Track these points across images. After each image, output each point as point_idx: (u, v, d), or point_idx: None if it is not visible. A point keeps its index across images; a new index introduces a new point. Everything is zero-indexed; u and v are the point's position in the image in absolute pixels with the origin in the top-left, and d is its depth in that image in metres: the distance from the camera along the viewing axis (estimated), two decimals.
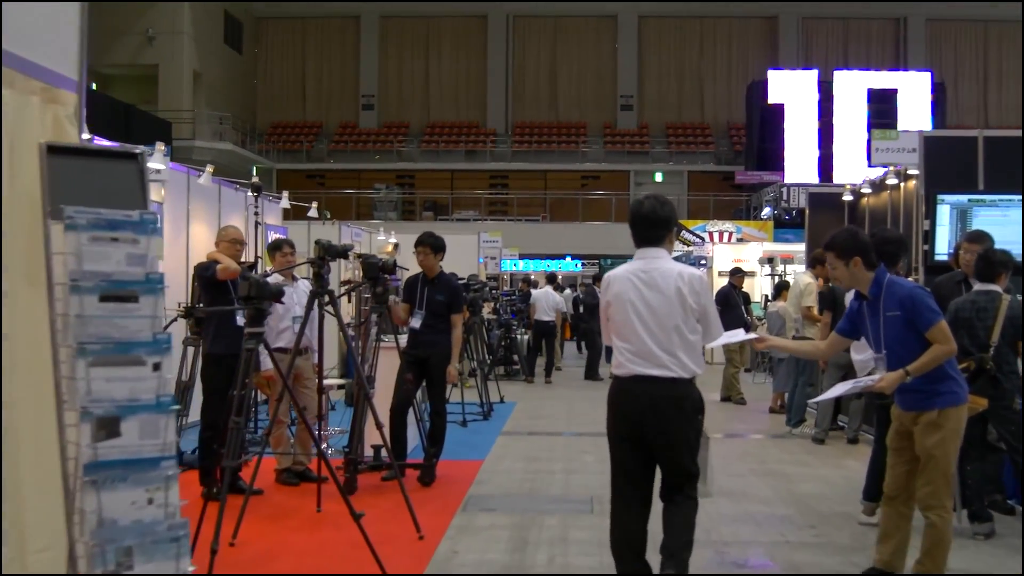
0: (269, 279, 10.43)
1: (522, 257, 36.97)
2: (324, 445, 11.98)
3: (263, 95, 50.48)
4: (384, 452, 9.60)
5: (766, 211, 39.26)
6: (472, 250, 24.15)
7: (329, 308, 8.66)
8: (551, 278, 22.68)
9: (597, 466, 11.13)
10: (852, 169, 38.96)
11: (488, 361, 21.20)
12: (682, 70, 49.44)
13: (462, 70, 50.09)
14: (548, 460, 11.77)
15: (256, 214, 13.05)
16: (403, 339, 10.50)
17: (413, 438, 10.97)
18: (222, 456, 7.11)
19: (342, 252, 8.45)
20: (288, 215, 20.58)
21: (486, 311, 21.73)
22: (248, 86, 49.63)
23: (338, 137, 48.91)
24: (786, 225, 36.80)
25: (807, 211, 17.35)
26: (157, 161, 11.48)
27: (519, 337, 22.14)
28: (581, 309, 29.73)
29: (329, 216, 21.74)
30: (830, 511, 9.20)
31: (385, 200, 44.36)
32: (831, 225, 16.80)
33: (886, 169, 14.53)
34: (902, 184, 14.11)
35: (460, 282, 14.66)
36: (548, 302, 21.51)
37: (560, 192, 45.86)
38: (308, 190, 43.29)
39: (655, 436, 5.86)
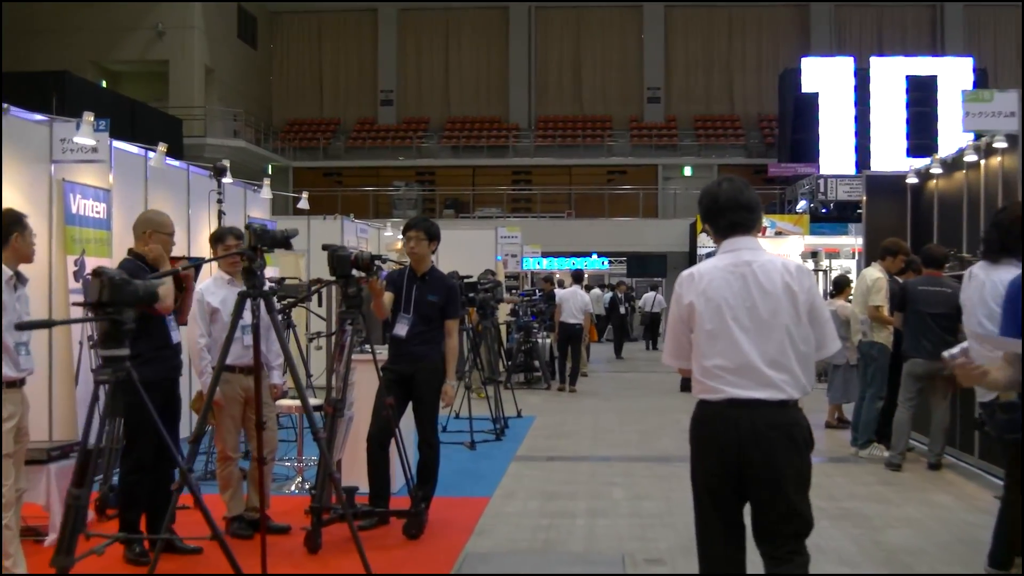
0: (208, 281, 8.34)
1: (545, 255, 34.67)
2: (299, 479, 9.90)
3: (278, 91, 48.41)
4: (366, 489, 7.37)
5: (801, 204, 36.85)
6: (489, 247, 21.90)
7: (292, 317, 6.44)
8: (578, 276, 20.38)
9: (628, 505, 9.08)
10: (891, 159, 36.76)
11: (506, 369, 19.04)
12: (710, 60, 47.03)
13: (483, 63, 47.87)
14: (569, 497, 9.51)
15: (219, 202, 10.82)
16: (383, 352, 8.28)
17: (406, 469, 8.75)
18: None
19: (282, 241, 6.22)
20: (272, 211, 18.38)
21: (503, 314, 19.50)
22: (263, 82, 47.58)
23: (356, 134, 46.81)
24: (823, 219, 34.43)
25: (864, 198, 15.02)
26: (85, 135, 9.07)
27: (540, 341, 19.87)
28: (622, 310, 27.89)
29: (335, 215, 19.59)
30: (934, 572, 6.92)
31: (404, 198, 42.20)
32: (891, 213, 14.58)
33: (970, 142, 12.14)
34: (982, 161, 11.76)
35: (466, 280, 12.46)
36: (576, 303, 19.23)
37: (585, 188, 43.61)
38: (325, 188, 41.45)
39: (760, 479, 4.48)
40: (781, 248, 24.18)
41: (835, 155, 38.54)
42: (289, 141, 46.07)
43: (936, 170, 13.23)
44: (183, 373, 7.88)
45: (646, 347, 31.25)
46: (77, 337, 9.52)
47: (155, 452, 6.83)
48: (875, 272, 11.58)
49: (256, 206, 15.26)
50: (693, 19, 46.76)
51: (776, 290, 4.48)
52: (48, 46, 37.98)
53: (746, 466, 4.43)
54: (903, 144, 38.21)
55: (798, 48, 44.02)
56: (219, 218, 10.84)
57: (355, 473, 8.61)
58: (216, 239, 8.18)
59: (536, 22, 47.39)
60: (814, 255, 21.13)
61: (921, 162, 14.43)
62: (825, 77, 39.36)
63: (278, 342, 8.30)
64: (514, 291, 20.15)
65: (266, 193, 15.98)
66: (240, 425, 8.06)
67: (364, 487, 8.16)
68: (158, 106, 38.96)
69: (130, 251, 7.34)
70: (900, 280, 11.38)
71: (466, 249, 21.15)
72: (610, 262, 40.35)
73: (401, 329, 8.20)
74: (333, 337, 8.72)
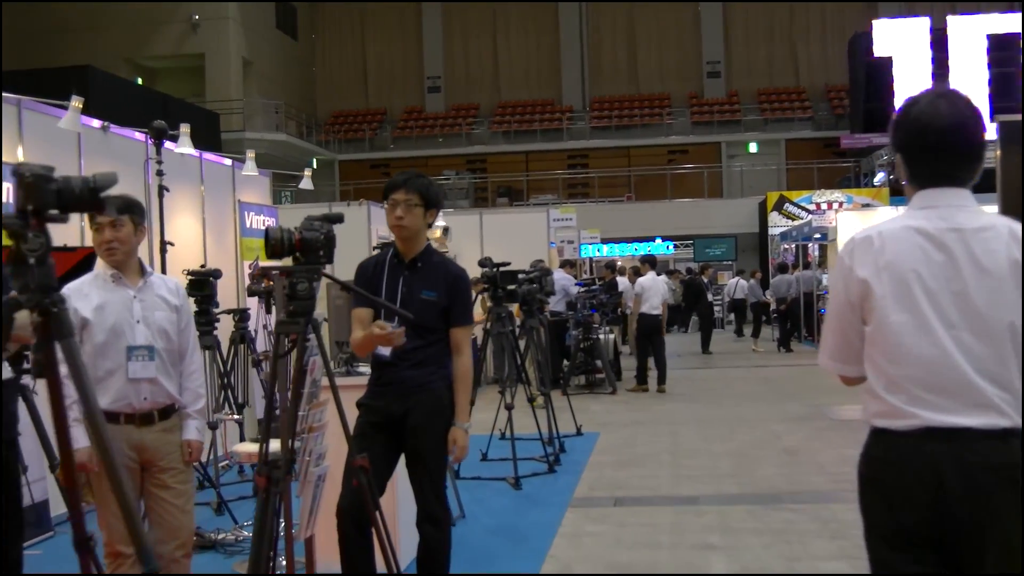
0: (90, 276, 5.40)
1: (605, 241, 31.57)
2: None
3: (322, 82, 45.64)
4: None
5: (879, 177, 33.51)
6: (540, 233, 18.76)
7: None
8: (651, 261, 17.18)
9: None
10: None
11: (563, 372, 16.02)
12: (772, 31, 43.53)
13: (533, 45, 44.73)
14: (649, 566, 6.46)
15: (160, 173, 7.84)
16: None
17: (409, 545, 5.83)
18: None
19: (80, 198, 3.14)
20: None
21: (553, 308, 16.44)
22: (306, 74, 44.85)
23: (403, 123, 43.92)
24: (903, 192, 30.91)
25: (999, 151, 11.76)
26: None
27: (603, 338, 16.80)
28: (709, 297, 24.33)
29: (360, 200, 16.64)
30: None
31: (455, 187, 39.22)
32: None
33: None
34: None
35: (502, 269, 9.41)
36: (658, 291, 16.20)
37: (645, 169, 40.33)
38: (372, 180, 38.68)
39: (974, 547, 2.94)
40: (871, 221, 20.79)
41: None
42: (334, 134, 43.39)
43: None
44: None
45: (779, 346, 25.07)
46: None
47: None
48: None
49: (249, 188, 12.32)
50: None
51: (999, 269, 3.01)
52: (80, 44, 35.47)
53: (952, 528, 2.96)
54: (986, 107, 34.53)
55: (865, 11, 40.33)
56: (160, 196, 7.86)
57: (333, 550, 5.62)
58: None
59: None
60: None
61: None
62: (898, 40, 35.78)
63: (196, 372, 5.40)
64: (582, 287, 16.99)
65: (251, 169, 12.99)
66: (136, 499, 5.11)
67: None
68: (195, 101, 36.46)
69: None
70: None
71: (514, 237, 18.16)
72: (675, 246, 37.18)
73: (382, 349, 5.23)
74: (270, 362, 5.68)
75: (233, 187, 11.78)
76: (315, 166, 41.33)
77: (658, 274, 24.97)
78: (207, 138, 35.04)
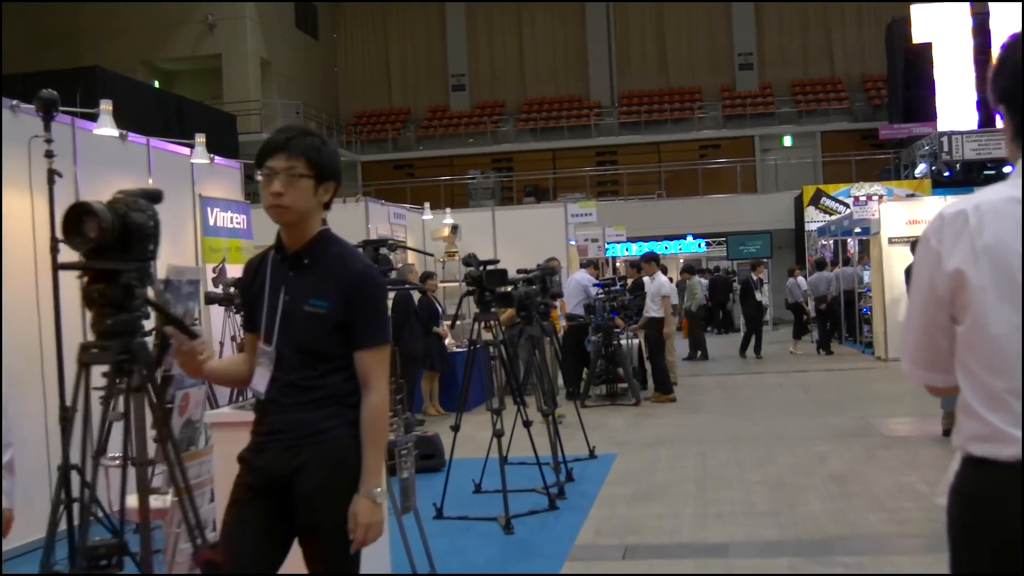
0: None
1: (635, 239, 29.84)
2: None
3: (345, 83, 44.17)
4: None
5: (921, 168, 31.55)
6: (559, 230, 17.04)
7: None
8: (654, 259, 15.39)
9: None
10: None
11: (584, 381, 14.40)
12: (805, 19, 41.66)
13: (559, 40, 43.03)
14: None
15: (48, 155, 6.20)
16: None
17: None
18: None
19: None
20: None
21: (572, 311, 14.78)
22: (327, 74, 43.38)
23: (427, 122, 42.34)
24: (946, 183, 29.17)
25: None
26: None
27: (625, 343, 15.11)
28: (758, 296, 21.98)
29: (357, 196, 15.07)
30: None
31: (480, 187, 37.58)
32: None
33: None
34: None
35: (489, 268, 7.78)
36: (659, 292, 14.61)
37: (676, 165, 38.54)
38: (396, 181, 37.23)
39: None
40: (916, 213, 19.02)
41: (954, 111, 33.00)
42: (357, 135, 41.85)
43: None
44: None
45: (818, 348, 22.23)
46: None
47: None
48: None
49: (215, 180, 10.71)
50: None
51: None
52: (95, 47, 34.07)
53: None
54: None
55: None
56: (50, 183, 6.24)
57: None
58: None
59: None
60: None
61: None
62: (938, 25, 33.82)
63: None
64: (608, 288, 15.20)
65: (200, 158, 11.28)
66: None
67: None
68: (212, 103, 35.08)
69: None
70: None
71: (533, 235, 16.52)
72: (707, 243, 35.36)
73: (260, 379, 3.59)
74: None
75: (192, 179, 10.16)
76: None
77: (692, 274, 23.39)
78: (224, 140, 33.73)
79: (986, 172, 30.44)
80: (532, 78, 43.10)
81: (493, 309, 8.12)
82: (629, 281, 17.63)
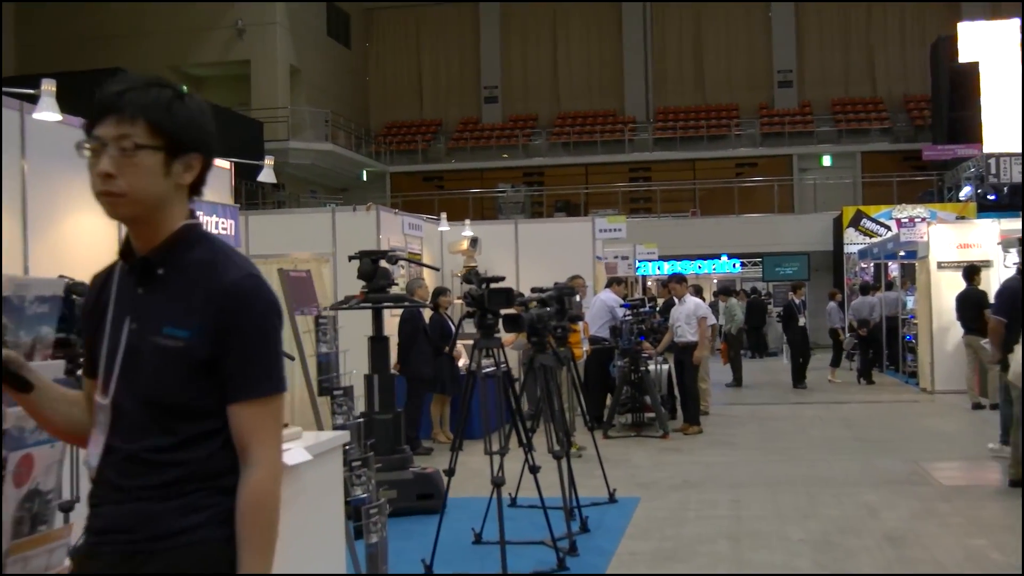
0: None
1: (667, 258, 28.63)
2: None
3: (375, 93, 43.11)
4: None
5: (966, 191, 30.18)
6: (585, 246, 15.82)
7: None
8: (681, 280, 14.17)
9: None
10: None
11: (608, 410, 13.24)
12: (847, 38, 40.27)
13: (594, 53, 41.81)
14: None
15: None
16: None
17: None
18: None
19: None
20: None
21: (596, 333, 13.57)
22: (358, 83, 42.33)
23: (458, 134, 41.24)
24: (991, 207, 27.78)
25: None
26: None
27: (654, 369, 13.86)
28: (801, 321, 20.15)
29: (368, 204, 13.88)
30: None
31: (510, 201, 36.38)
32: None
33: None
34: None
35: (492, 287, 6.58)
36: (682, 315, 13.44)
37: (711, 182, 37.20)
38: (424, 192, 36.16)
39: None
40: (972, 235, 17.70)
41: (1001, 133, 31.52)
42: (387, 145, 40.79)
43: None
44: None
45: (859, 377, 20.58)
46: None
47: None
48: None
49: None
50: None
51: None
52: (124, 51, 33.07)
53: None
54: None
55: (947, 15, 36.89)
56: None
57: None
58: None
59: (652, 6, 41.30)
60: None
61: None
62: (985, 44, 32.39)
63: None
64: (637, 311, 13.91)
65: (268, 176, 10.24)
66: None
67: None
68: (240, 109, 34.14)
69: None
70: None
71: (558, 251, 15.34)
72: (743, 264, 34.04)
73: (94, 448, 2.42)
74: None
75: None
76: (365, 178, 38.95)
77: (728, 295, 22.06)
78: (250, 147, 32.77)
79: None
80: (566, 91, 41.92)
81: (497, 335, 6.90)
82: (660, 302, 16.39)
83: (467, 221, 15.97)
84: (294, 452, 4.10)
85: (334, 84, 39.30)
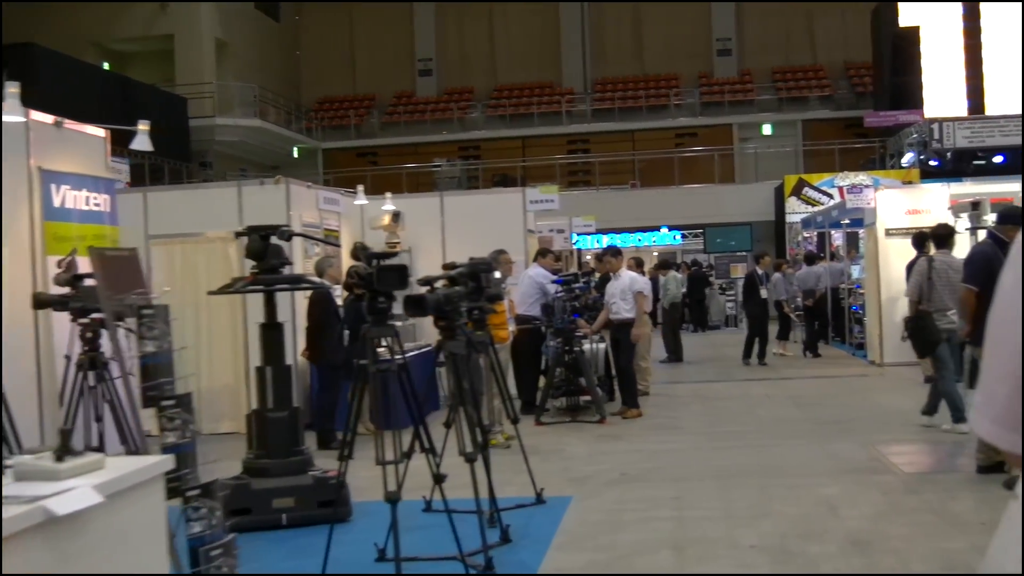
0: None
1: (606, 231, 27.55)
2: None
3: (307, 67, 41.58)
4: None
5: (908, 157, 29.43)
6: (516, 219, 14.67)
7: None
8: (615, 253, 13.04)
9: None
10: (1009, 98, 29.20)
11: (541, 396, 12.20)
12: (787, 5, 39.09)
13: (531, 24, 40.55)
14: None
15: None
16: None
17: None
18: None
19: None
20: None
21: (526, 312, 12.48)
22: (288, 58, 40.80)
23: (392, 109, 39.94)
24: (935, 173, 27.00)
25: None
26: None
27: (589, 348, 12.80)
28: (763, 293, 18.91)
29: (276, 177, 12.64)
30: None
31: (446, 175, 35.18)
32: None
33: None
34: None
35: (384, 263, 5.43)
36: (616, 291, 12.37)
37: (651, 153, 36.19)
38: (358, 168, 34.84)
39: None
40: (921, 200, 16.79)
41: (942, 98, 30.77)
42: (319, 121, 39.42)
43: None
44: None
45: (804, 350, 19.69)
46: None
47: None
48: None
49: (64, 149, 8.30)
50: None
51: None
52: (41, 26, 31.28)
53: None
54: (1019, 80, 30.44)
55: None
56: None
57: None
58: None
59: None
60: (975, 206, 13.94)
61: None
62: (927, 9, 31.63)
63: None
64: (572, 286, 12.77)
65: (143, 143, 8.97)
66: None
67: None
68: (164, 86, 32.67)
69: None
70: None
71: (487, 225, 14.16)
72: (684, 236, 33.11)
73: None
74: None
75: (27, 147, 7.76)
76: (297, 155, 37.56)
77: (668, 268, 21.02)
78: (175, 124, 31.31)
79: (976, 162, 28.40)
80: (503, 63, 40.68)
81: (392, 321, 5.75)
82: (596, 276, 15.32)
83: (388, 195, 14.75)
84: (73, 495, 2.96)
85: (263, 59, 37.78)
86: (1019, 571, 1.47)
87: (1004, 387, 1.65)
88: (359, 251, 5.61)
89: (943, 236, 10.74)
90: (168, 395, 4.46)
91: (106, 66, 34.45)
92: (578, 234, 22.67)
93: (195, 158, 32.60)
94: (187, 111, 32.10)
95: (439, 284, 6.76)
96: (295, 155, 37.49)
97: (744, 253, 31.60)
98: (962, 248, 10.50)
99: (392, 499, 5.40)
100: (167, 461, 3.67)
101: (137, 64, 35.68)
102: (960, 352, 9.90)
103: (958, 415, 9.86)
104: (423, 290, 6.62)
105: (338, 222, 13.76)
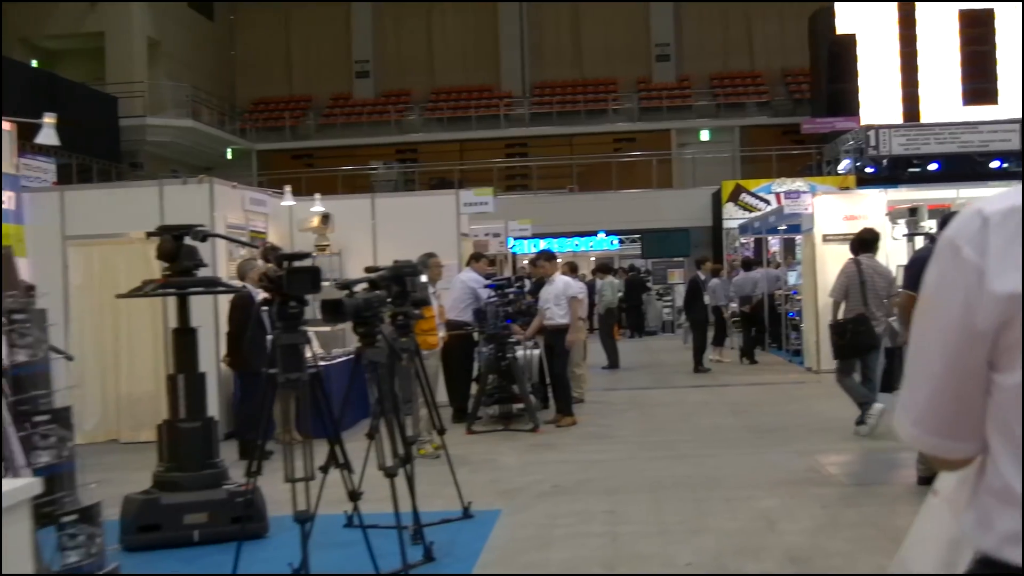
0: None
1: (543, 235, 27.29)
2: None
3: (242, 67, 40.90)
4: None
5: (845, 164, 29.48)
6: (449, 222, 14.28)
7: None
8: (549, 257, 12.74)
9: None
10: (944, 107, 29.43)
11: (473, 402, 11.83)
12: (726, 11, 39.29)
13: (470, 27, 40.26)
14: None
15: None
16: None
17: None
18: None
19: None
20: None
21: (457, 317, 12.11)
22: (222, 57, 40.10)
23: (329, 111, 39.40)
24: (871, 180, 27.03)
25: None
26: None
27: (525, 353, 12.46)
28: (707, 299, 18.51)
29: (200, 177, 12.16)
30: None
31: (383, 178, 34.74)
32: None
33: None
34: None
35: (296, 265, 5.03)
36: (550, 296, 12.02)
37: (589, 158, 36.02)
38: (294, 171, 34.24)
39: None
40: (859, 206, 16.64)
41: (878, 105, 30.89)
42: (254, 122, 38.78)
43: None
44: None
45: (741, 356, 19.42)
46: None
47: None
48: None
49: None
50: None
51: None
52: None
53: None
54: (958, 89, 30.58)
55: None
56: None
57: None
58: None
59: None
60: (913, 212, 13.82)
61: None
62: (863, 17, 31.72)
63: None
64: (510, 288, 12.44)
65: (49, 137, 8.51)
66: None
67: None
68: (95, 85, 31.88)
69: None
70: None
71: (420, 227, 13.75)
72: (621, 240, 32.92)
73: None
74: None
75: None
76: (230, 156, 36.87)
77: (606, 273, 20.71)
78: (104, 124, 30.58)
79: (911, 169, 28.50)
80: (441, 66, 40.30)
81: (307, 327, 5.36)
82: (528, 282, 14.98)
83: (317, 196, 14.31)
84: None
85: (197, 58, 37.08)
86: (932, 567, 1.51)
87: (925, 390, 1.72)
88: (268, 252, 5.21)
89: (869, 241, 10.69)
90: (42, 409, 4.03)
91: (34, 63, 33.58)
92: (514, 238, 22.35)
93: (125, 158, 31.87)
94: (117, 110, 31.36)
95: (359, 288, 6.38)
96: (229, 156, 36.80)
97: (682, 258, 31.48)
98: (901, 255, 10.39)
99: (302, 519, 5.01)
100: (34, 485, 3.25)
101: (67, 62, 34.81)
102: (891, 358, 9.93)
103: (864, 405, 10.17)
104: (342, 294, 6.23)
105: (265, 223, 13.32)
